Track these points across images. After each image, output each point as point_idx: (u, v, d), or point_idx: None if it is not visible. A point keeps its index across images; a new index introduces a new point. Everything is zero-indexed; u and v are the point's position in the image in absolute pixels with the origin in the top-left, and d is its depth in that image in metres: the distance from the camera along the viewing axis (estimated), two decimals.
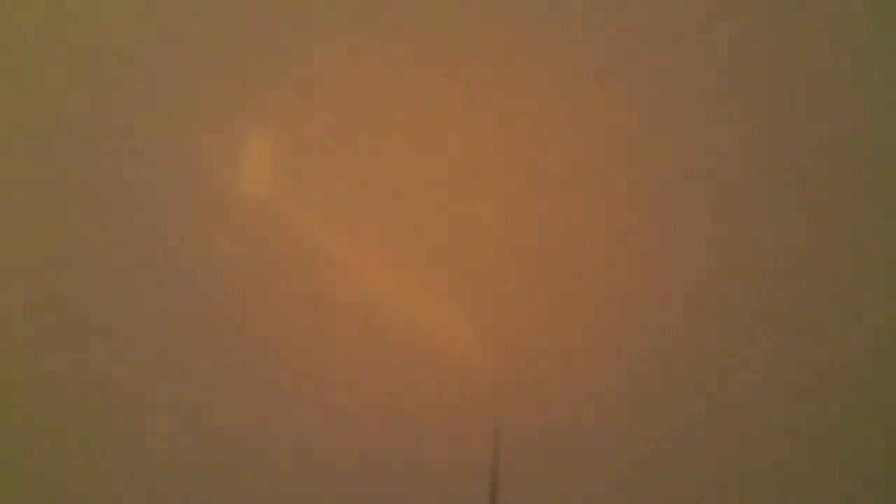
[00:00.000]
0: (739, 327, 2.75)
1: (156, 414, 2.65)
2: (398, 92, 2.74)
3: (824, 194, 2.79)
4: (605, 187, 2.74)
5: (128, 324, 2.66)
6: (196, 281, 2.66)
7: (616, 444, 2.69)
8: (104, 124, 2.69)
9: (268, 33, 2.71)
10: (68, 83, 2.68)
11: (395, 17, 2.74)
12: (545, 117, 2.74)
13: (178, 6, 2.69)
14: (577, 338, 2.69)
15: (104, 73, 2.68)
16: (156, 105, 2.70)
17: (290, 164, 2.71)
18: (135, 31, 2.68)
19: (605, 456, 2.68)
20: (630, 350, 2.72)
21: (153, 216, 2.67)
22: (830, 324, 2.75)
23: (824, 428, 2.74)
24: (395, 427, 2.69)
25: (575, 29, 2.75)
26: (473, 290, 2.71)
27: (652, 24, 2.76)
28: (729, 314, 2.75)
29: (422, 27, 2.74)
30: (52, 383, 2.66)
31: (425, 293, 2.70)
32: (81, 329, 2.66)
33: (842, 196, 2.80)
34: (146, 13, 2.69)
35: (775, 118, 2.79)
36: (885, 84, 2.79)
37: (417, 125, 2.74)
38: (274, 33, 2.71)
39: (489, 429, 2.68)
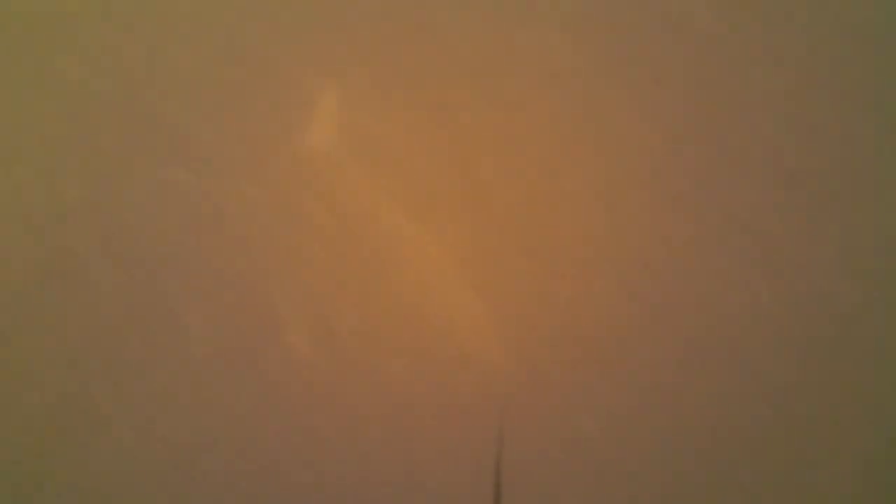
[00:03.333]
0: (751, 326, 2.69)
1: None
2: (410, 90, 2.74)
3: (827, 192, 2.75)
4: (618, 191, 2.71)
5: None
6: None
7: (626, 447, 2.63)
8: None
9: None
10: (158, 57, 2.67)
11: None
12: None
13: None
14: (590, 339, 2.64)
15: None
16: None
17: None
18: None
19: (613, 457, 2.62)
20: (641, 353, 2.67)
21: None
22: (829, 324, 2.70)
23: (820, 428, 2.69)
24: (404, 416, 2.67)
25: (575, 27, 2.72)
26: (493, 287, 2.67)
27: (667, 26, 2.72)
28: (740, 312, 2.70)
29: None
30: (126, 367, 2.64)
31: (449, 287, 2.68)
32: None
33: (842, 194, 2.75)
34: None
35: (775, 120, 2.75)
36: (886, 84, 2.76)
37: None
38: None
39: (495, 425, 2.63)
